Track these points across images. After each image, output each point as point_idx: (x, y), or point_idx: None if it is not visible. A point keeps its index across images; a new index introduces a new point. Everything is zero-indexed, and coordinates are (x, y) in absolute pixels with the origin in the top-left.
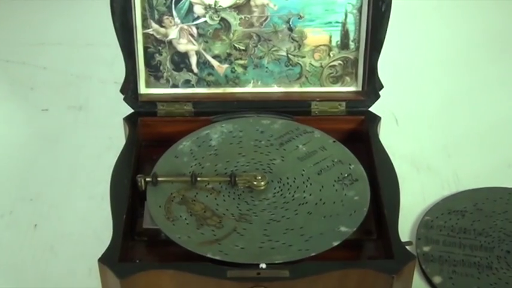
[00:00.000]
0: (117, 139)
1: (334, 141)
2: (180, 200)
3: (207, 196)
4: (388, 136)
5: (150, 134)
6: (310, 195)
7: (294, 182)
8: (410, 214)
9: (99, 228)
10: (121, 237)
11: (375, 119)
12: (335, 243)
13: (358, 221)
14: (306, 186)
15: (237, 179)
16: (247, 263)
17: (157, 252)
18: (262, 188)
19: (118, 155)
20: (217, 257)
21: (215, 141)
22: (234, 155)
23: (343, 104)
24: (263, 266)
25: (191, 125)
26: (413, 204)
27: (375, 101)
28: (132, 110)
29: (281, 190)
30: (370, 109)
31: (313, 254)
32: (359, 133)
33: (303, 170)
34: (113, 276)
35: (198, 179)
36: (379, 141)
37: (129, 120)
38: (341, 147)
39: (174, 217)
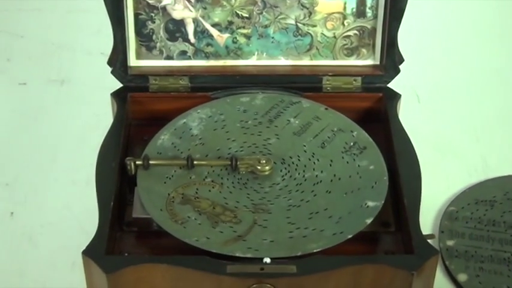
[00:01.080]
0: (103, 117)
1: (326, 109)
2: (181, 199)
3: (209, 191)
4: (409, 116)
5: (140, 112)
6: (322, 172)
7: (299, 160)
8: (433, 204)
9: (83, 217)
10: (108, 227)
11: (394, 97)
12: (368, 221)
13: (383, 193)
14: (314, 163)
15: (238, 163)
16: (285, 256)
17: (148, 244)
18: (266, 173)
19: (105, 135)
20: (248, 255)
21: (196, 129)
22: (223, 141)
23: (359, 79)
24: (267, 260)
25: (187, 102)
26: (436, 192)
27: (394, 76)
28: (121, 85)
29: (288, 172)
30: (389, 85)
31: (349, 236)
32: (376, 112)
33: (304, 146)
34: (99, 270)
35: (195, 162)
36: (399, 122)
37: (117, 96)
38: (335, 114)
39: (183, 219)
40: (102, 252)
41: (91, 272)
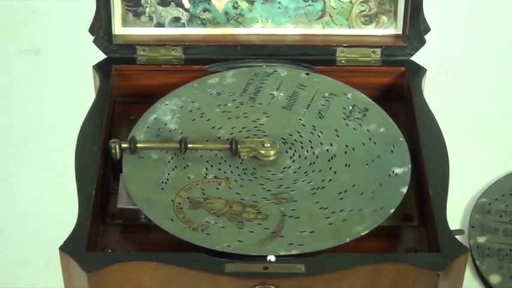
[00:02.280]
0: (84, 93)
1: (307, 74)
2: (190, 204)
3: (217, 188)
4: (436, 94)
5: (127, 87)
6: (332, 145)
7: (301, 137)
8: (462, 195)
9: (60, 208)
10: (89, 219)
11: (419, 72)
12: (404, 190)
13: (405, 156)
14: (318, 136)
15: (239, 146)
16: (331, 247)
17: (135, 239)
18: (272, 158)
19: (85, 113)
20: (293, 252)
21: (172, 123)
22: (208, 131)
23: (378, 51)
24: (271, 258)
25: (180, 76)
26: (466, 182)
27: (419, 47)
28: (105, 56)
29: (295, 152)
30: (413, 58)
31: (392, 210)
32: (398, 89)
33: (301, 120)
34: (78, 268)
35: (189, 145)
36: (424, 101)
37: (100, 68)
38: (320, 78)
39: (202, 226)
40: (82, 248)
41: (69, 270)
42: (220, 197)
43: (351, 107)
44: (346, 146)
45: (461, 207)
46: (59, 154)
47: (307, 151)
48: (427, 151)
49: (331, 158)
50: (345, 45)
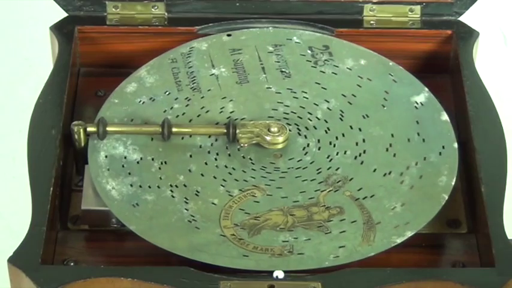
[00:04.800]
0: (38, 62)
1: (228, 35)
2: (248, 230)
3: (255, 202)
4: (491, 65)
5: (94, 54)
6: (328, 101)
7: (288, 107)
8: None
9: (8, 210)
10: (45, 224)
11: (470, 36)
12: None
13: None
14: (306, 98)
15: (238, 131)
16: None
17: (104, 248)
18: (279, 146)
19: (41, 88)
20: (408, 234)
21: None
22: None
23: (417, 8)
24: (279, 275)
25: (162, 41)
26: None
27: (470, 5)
28: (66, 14)
29: (298, 126)
30: (462, 19)
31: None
32: (442, 59)
33: (270, 88)
34: (31, 285)
35: (174, 129)
36: (476, 74)
37: (59, 30)
38: (245, 33)
39: (283, 248)
40: (36, 261)
41: (20, 287)
42: (270, 209)
43: (308, 51)
44: (344, 96)
45: None
46: (7, 141)
47: (310, 119)
48: (479, 138)
49: (342, 115)
50: (374, 0)
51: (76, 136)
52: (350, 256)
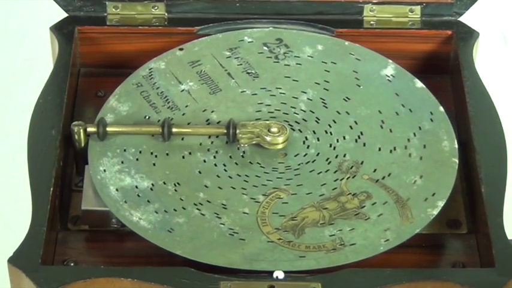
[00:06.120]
0: (38, 62)
1: (180, 49)
2: (292, 232)
3: (284, 203)
4: (491, 65)
5: (94, 55)
6: (304, 92)
7: (270, 106)
8: None
9: (8, 210)
10: (45, 224)
11: (470, 37)
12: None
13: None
14: (283, 94)
15: (238, 131)
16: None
17: (104, 249)
18: (279, 146)
19: (41, 88)
20: (435, 211)
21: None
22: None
23: (417, 9)
24: (279, 275)
25: (162, 41)
26: None
27: (471, 5)
28: (66, 15)
29: (290, 124)
30: (462, 19)
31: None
32: (442, 59)
33: (244, 92)
34: (31, 285)
35: (174, 130)
36: (476, 74)
37: (59, 30)
38: (199, 42)
39: (335, 242)
40: (36, 261)
41: (20, 287)
42: (302, 207)
43: (265, 48)
44: (318, 84)
45: None
46: (7, 141)
47: (296, 113)
48: (479, 139)
49: (325, 103)
50: (374, 1)
51: (76, 136)
52: (399, 237)
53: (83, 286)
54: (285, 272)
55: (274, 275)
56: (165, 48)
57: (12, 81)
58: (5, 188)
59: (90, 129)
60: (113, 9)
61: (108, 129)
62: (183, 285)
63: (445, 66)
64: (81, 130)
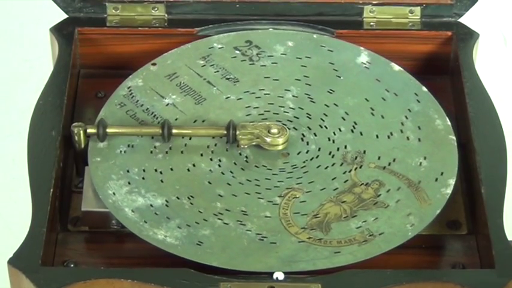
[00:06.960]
0: (38, 63)
1: (153, 64)
2: (319, 229)
3: (301, 202)
4: (491, 66)
5: (94, 56)
6: (288, 90)
7: (258, 108)
8: None
9: (8, 211)
10: (45, 225)
11: (470, 38)
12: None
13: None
14: (267, 94)
15: (238, 133)
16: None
17: (104, 250)
18: (279, 147)
19: (41, 90)
20: (449, 190)
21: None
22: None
23: (417, 10)
24: (279, 276)
25: (162, 42)
26: None
27: (470, 7)
28: (66, 16)
29: (283, 124)
30: (462, 20)
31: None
32: (442, 60)
33: (229, 97)
34: (31, 286)
35: (174, 131)
36: (476, 75)
37: (59, 32)
38: (171, 54)
39: (364, 233)
40: (36, 262)
41: None
42: (321, 204)
43: (237, 51)
44: (298, 80)
45: None
46: (7, 142)
47: (286, 112)
48: (479, 140)
49: (311, 98)
50: (374, 2)
51: (76, 137)
52: (422, 220)
53: (83, 287)
54: (320, 269)
55: (274, 276)
56: (165, 49)
57: (12, 82)
58: (5, 189)
59: (90, 130)
60: (113, 11)
61: (108, 130)
62: (183, 286)
63: (445, 67)
64: (81, 131)
